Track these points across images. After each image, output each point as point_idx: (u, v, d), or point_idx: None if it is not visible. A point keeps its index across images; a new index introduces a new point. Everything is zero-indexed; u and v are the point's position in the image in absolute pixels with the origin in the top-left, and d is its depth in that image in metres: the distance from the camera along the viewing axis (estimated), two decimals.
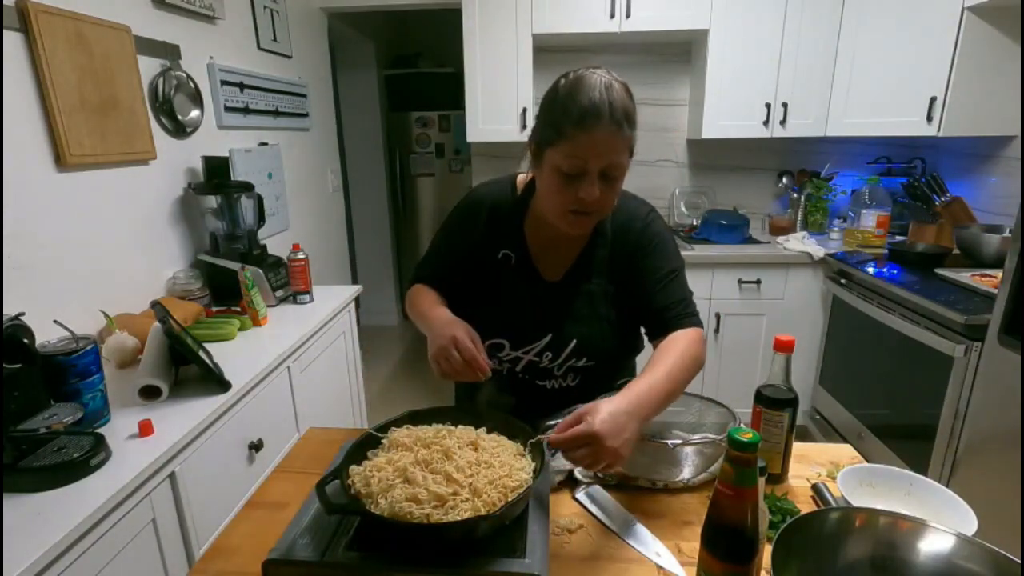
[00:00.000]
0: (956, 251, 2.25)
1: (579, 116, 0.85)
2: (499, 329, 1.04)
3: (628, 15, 2.51)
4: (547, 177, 0.92)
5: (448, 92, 3.95)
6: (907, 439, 2.01)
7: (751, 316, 2.59)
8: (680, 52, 2.91)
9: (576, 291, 1.04)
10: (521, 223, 1.06)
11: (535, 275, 1.06)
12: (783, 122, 2.60)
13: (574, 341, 1.04)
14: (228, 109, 2.03)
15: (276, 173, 2.37)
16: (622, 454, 0.76)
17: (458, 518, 0.69)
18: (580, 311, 1.04)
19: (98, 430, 1.08)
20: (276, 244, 2.26)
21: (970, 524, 0.75)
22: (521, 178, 1.09)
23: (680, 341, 0.95)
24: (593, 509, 0.88)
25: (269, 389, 1.48)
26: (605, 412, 0.76)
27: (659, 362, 0.90)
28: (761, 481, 0.72)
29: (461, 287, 1.09)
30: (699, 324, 1.01)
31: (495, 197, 1.08)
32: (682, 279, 1.04)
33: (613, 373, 1.13)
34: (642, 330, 1.11)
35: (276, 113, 2.37)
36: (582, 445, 0.75)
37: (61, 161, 1.36)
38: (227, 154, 2.01)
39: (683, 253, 2.68)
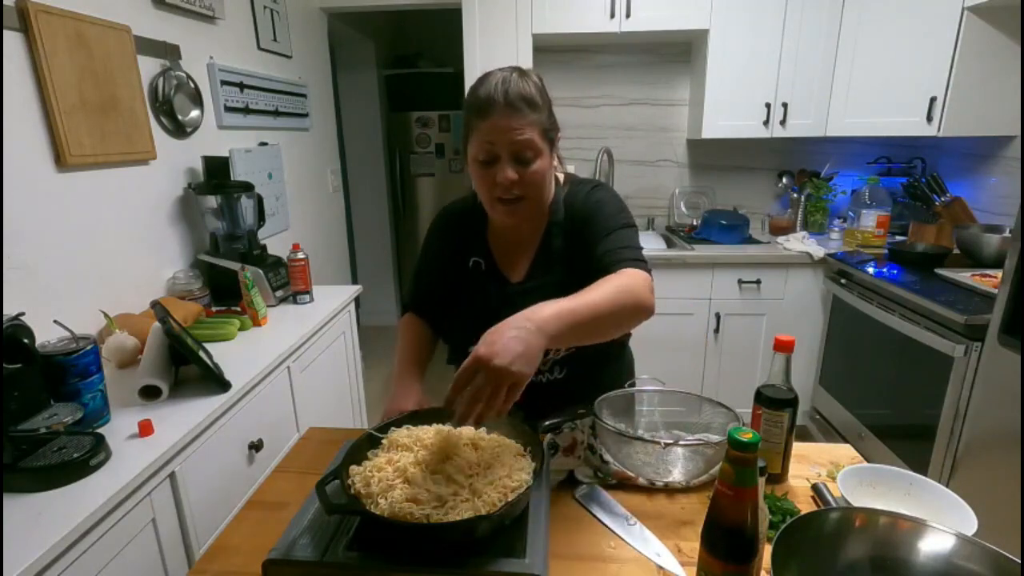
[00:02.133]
0: (956, 251, 2.25)
1: (478, 107, 0.94)
2: (474, 338, 1.01)
3: (628, 15, 2.51)
4: (472, 171, 0.99)
5: (448, 92, 3.95)
6: (907, 439, 2.01)
7: (751, 316, 2.59)
8: (680, 52, 2.91)
9: (538, 286, 1.04)
10: (484, 230, 1.11)
11: (503, 279, 1.09)
12: (783, 122, 2.60)
13: None
14: (228, 109, 2.03)
15: (276, 173, 2.37)
16: (513, 370, 0.68)
17: (458, 518, 0.69)
18: None
19: (98, 430, 1.08)
20: (276, 244, 2.26)
21: (970, 524, 0.75)
22: None
23: (614, 277, 0.89)
24: (593, 509, 0.88)
25: (269, 389, 1.48)
26: (486, 333, 0.72)
27: (584, 290, 0.84)
28: (761, 481, 0.72)
29: (448, 302, 1.13)
30: (645, 270, 0.94)
31: (458, 209, 1.15)
32: (628, 233, 1.00)
33: (599, 359, 1.11)
34: None
35: (276, 113, 2.37)
36: (471, 382, 0.69)
37: (61, 161, 1.36)
38: (227, 154, 2.01)
39: (683, 253, 2.68)
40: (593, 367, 1.11)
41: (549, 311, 0.76)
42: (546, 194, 1.05)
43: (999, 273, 1.64)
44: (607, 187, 1.10)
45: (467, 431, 0.86)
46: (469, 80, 2.60)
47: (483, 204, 1.03)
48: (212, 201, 1.78)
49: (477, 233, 1.11)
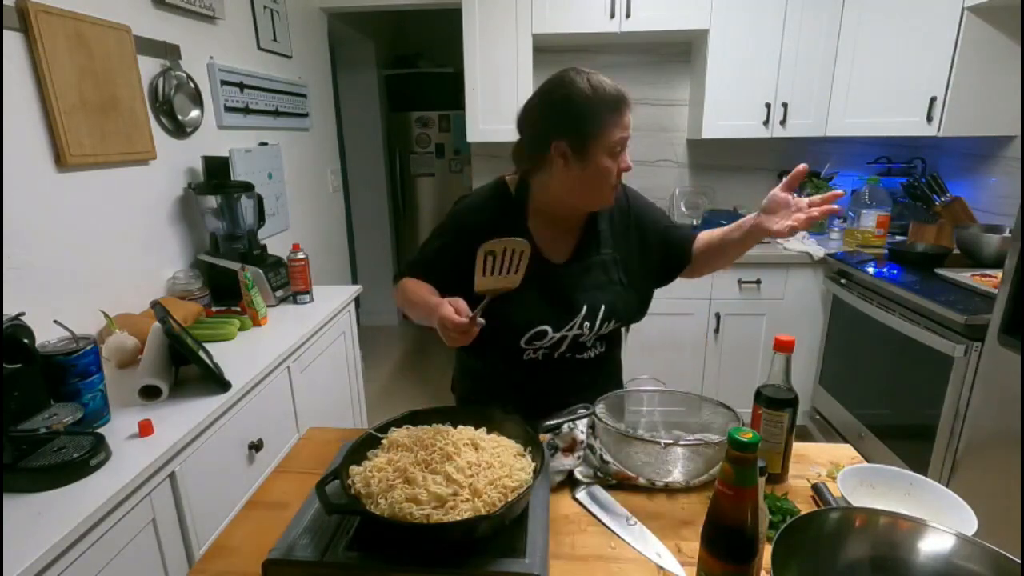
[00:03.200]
0: (956, 251, 2.25)
1: (613, 104, 0.99)
2: (538, 318, 1.10)
3: (628, 15, 2.51)
4: (598, 163, 1.01)
5: (448, 92, 3.96)
6: (907, 439, 2.01)
7: (751, 316, 2.59)
8: (680, 52, 2.91)
9: (589, 264, 1.14)
10: (524, 218, 1.13)
11: (545, 260, 1.13)
12: (783, 122, 2.60)
13: (603, 307, 1.12)
14: (228, 109, 2.03)
15: (276, 173, 2.37)
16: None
17: (458, 518, 0.69)
18: (599, 280, 1.13)
19: (98, 430, 1.08)
20: (276, 244, 2.26)
21: (970, 524, 0.75)
22: (509, 179, 1.16)
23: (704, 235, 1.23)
24: (593, 509, 0.88)
25: (269, 389, 1.48)
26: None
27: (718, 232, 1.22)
28: (761, 481, 0.72)
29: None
30: None
31: (490, 208, 1.14)
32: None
33: (616, 340, 1.27)
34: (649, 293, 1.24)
35: (276, 113, 2.37)
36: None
37: (61, 161, 1.36)
38: (227, 154, 2.01)
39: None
40: (615, 346, 1.25)
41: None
42: None
43: (999, 273, 1.64)
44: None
45: (467, 431, 0.86)
46: (469, 80, 2.61)
47: (591, 196, 1.07)
48: (212, 201, 1.78)
49: (516, 221, 1.12)
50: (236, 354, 1.46)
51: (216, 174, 1.85)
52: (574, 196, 1.07)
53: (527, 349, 1.12)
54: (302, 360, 1.67)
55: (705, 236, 1.22)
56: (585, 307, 1.11)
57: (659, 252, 1.20)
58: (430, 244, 1.17)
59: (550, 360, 1.14)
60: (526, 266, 0.90)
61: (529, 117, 1.06)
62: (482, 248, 0.88)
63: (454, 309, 0.91)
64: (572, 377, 1.16)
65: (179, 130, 1.79)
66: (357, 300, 2.19)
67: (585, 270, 1.13)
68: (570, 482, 0.94)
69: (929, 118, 2.27)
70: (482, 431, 0.87)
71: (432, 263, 1.14)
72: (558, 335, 1.11)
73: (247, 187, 1.86)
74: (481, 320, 0.89)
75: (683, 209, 3.09)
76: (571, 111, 0.99)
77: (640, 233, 1.18)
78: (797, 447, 0.99)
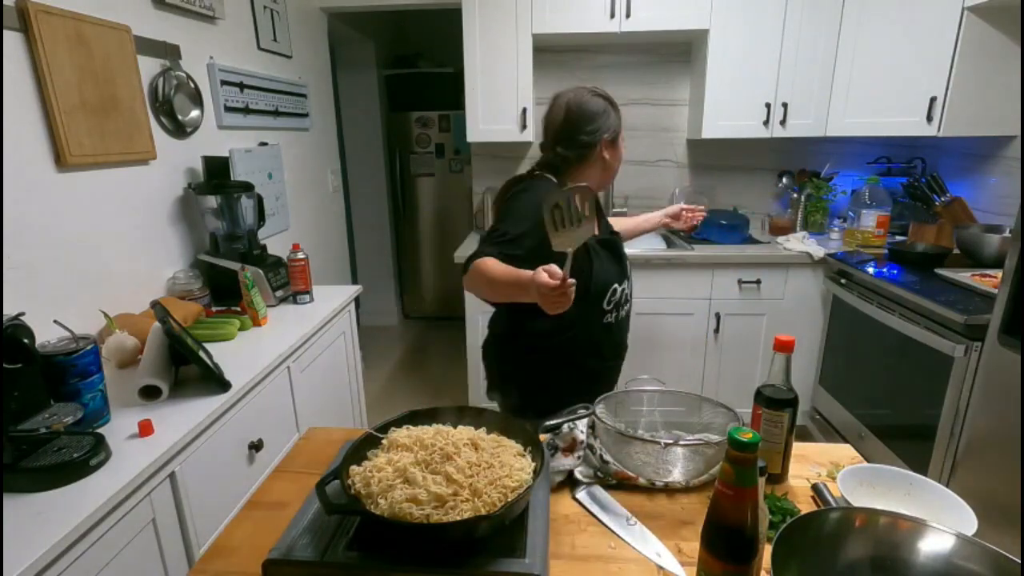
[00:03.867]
0: (956, 251, 2.25)
1: (617, 107, 1.38)
2: (614, 279, 1.36)
3: (628, 15, 2.50)
4: (621, 152, 1.41)
5: (448, 92, 3.95)
6: (907, 439, 2.01)
7: (751, 316, 2.59)
8: (680, 52, 2.91)
9: (613, 239, 1.43)
10: None
11: (595, 235, 1.36)
12: (783, 122, 2.60)
13: (628, 266, 1.44)
14: (228, 109, 2.03)
15: (276, 173, 2.37)
16: None
17: (458, 518, 0.69)
18: (619, 246, 1.44)
19: (98, 430, 1.08)
20: (276, 244, 2.26)
21: (970, 524, 0.75)
22: (539, 175, 1.40)
23: None
24: (593, 509, 0.88)
25: (269, 389, 1.48)
26: None
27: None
28: (761, 481, 0.72)
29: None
30: None
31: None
32: None
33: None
34: None
35: (276, 113, 2.37)
36: None
37: (61, 161, 1.36)
38: (227, 154, 2.01)
39: (683, 253, 2.71)
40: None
41: None
42: None
43: (999, 273, 1.64)
44: None
45: (467, 431, 0.86)
46: (469, 80, 2.61)
47: (611, 177, 1.44)
48: (212, 201, 1.78)
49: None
50: (236, 354, 1.46)
51: (216, 174, 1.85)
52: (604, 180, 1.42)
53: (607, 312, 1.36)
54: (302, 360, 1.67)
55: (621, 223, 1.64)
56: (629, 266, 1.43)
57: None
58: (506, 230, 1.25)
59: (616, 320, 1.39)
60: (594, 207, 1.03)
61: (570, 126, 1.33)
62: (546, 204, 0.94)
63: (548, 274, 0.98)
64: (623, 337, 1.47)
65: (179, 130, 1.79)
66: (357, 300, 2.19)
67: (612, 242, 1.41)
68: (570, 482, 0.94)
69: (929, 118, 2.27)
70: (482, 431, 0.87)
71: (513, 246, 1.22)
72: (623, 287, 1.39)
73: (247, 187, 1.86)
74: (572, 280, 0.95)
75: None
76: (607, 115, 1.34)
77: None
78: (797, 447, 0.99)
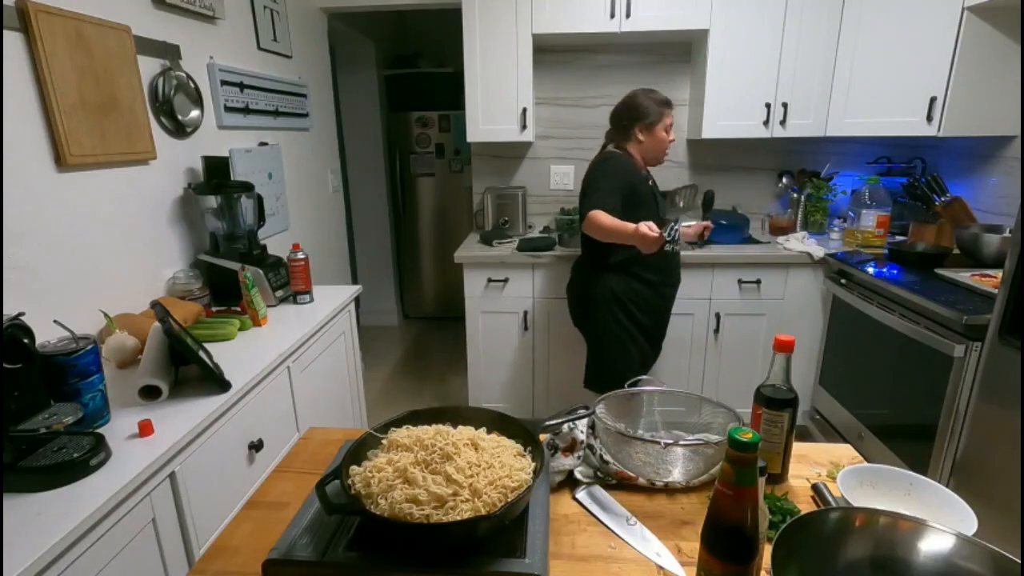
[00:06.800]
0: (956, 251, 2.25)
1: (667, 103, 1.98)
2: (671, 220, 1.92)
3: (628, 15, 2.50)
4: (661, 136, 1.98)
5: (448, 92, 3.95)
6: (907, 439, 2.01)
7: (751, 316, 2.59)
8: (680, 52, 2.91)
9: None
10: (641, 169, 2.03)
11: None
12: (783, 122, 2.60)
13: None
14: (228, 109, 2.03)
15: (276, 173, 2.37)
16: None
17: (458, 518, 0.69)
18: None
19: (98, 430, 1.08)
20: (276, 244, 2.26)
21: (970, 524, 0.75)
22: (612, 149, 2.03)
23: None
24: (593, 509, 0.88)
25: (269, 389, 1.48)
26: None
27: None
28: (761, 481, 0.72)
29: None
30: None
31: (633, 165, 1.99)
32: None
33: None
34: None
35: (276, 113, 2.37)
36: None
37: (61, 161, 1.36)
38: (227, 154, 2.01)
39: (683, 252, 2.71)
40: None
41: None
42: None
43: (999, 273, 1.64)
44: None
45: (467, 431, 0.86)
46: (469, 80, 2.61)
47: (659, 156, 2.03)
48: (212, 201, 1.78)
49: (638, 170, 2.00)
50: (236, 354, 1.46)
51: (216, 174, 1.85)
52: (648, 153, 2.01)
53: (668, 242, 1.76)
54: (302, 360, 1.67)
55: None
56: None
57: None
58: (609, 189, 1.87)
59: (673, 251, 2.02)
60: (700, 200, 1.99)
61: (618, 114, 2.01)
62: (671, 193, 1.79)
63: (648, 227, 1.65)
64: (677, 263, 2.11)
65: (179, 130, 1.79)
66: (357, 300, 2.19)
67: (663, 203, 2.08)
68: (570, 482, 0.95)
69: (929, 118, 2.27)
70: (482, 431, 0.87)
71: (608, 203, 1.83)
72: (680, 225, 1.88)
73: (247, 187, 1.86)
74: (667, 235, 1.70)
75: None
76: (644, 108, 1.95)
77: None
78: (797, 447, 0.99)
